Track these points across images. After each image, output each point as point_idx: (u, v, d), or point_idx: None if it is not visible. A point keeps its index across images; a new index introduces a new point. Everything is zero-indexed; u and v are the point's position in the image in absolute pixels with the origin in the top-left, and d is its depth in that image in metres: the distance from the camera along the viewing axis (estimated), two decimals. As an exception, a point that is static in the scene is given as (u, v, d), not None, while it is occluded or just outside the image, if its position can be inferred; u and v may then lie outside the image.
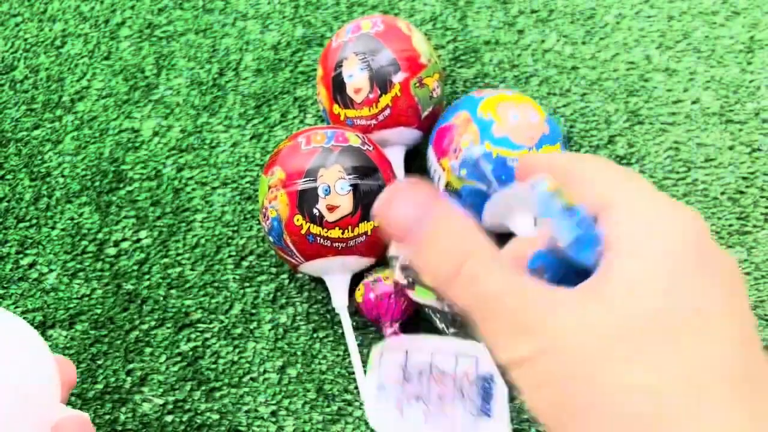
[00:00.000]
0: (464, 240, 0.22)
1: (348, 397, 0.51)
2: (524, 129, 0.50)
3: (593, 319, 0.20)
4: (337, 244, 0.49)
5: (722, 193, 0.58)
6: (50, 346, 0.54)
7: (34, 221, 0.60)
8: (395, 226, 0.22)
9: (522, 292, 0.21)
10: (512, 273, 0.21)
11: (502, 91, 0.54)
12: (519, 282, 0.21)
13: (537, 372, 0.20)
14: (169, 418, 0.51)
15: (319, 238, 0.48)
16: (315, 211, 0.48)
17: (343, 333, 0.53)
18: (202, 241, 0.58)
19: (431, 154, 0.54)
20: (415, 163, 0.59)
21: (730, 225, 0.56)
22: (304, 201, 0.48)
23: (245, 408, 0.51)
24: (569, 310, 0.20)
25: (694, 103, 0.62)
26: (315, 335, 0.54)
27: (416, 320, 0.52)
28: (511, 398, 0.47)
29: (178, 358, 0.53)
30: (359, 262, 0.51)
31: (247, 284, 0.56)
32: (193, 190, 0.60)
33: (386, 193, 0.23)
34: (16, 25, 0.70)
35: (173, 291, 0.56)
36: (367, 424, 0.50)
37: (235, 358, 0.53)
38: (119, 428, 0.51)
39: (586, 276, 0.22)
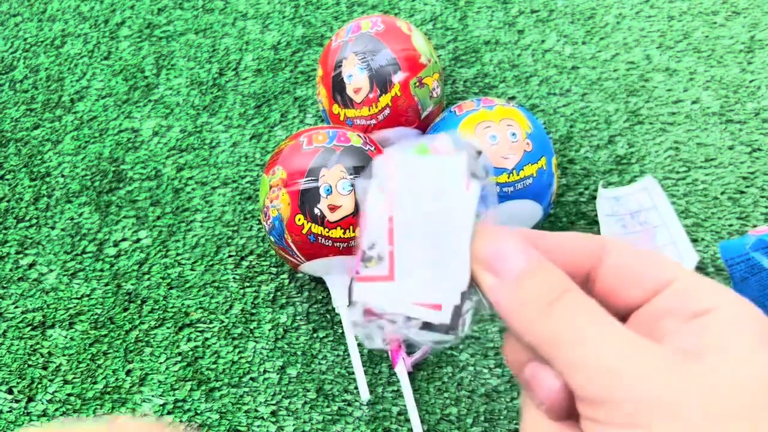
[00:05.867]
0: (563, 277, 0.22)
1: (348, 397, 0.51)
2: (503, 152, 0.49)
3: (699, 393, 0.19)
4: (338, 243, 0.49)
5: (722, 193, 0.58)
6: (50, 345, 0.54)
7: (33, 221, 0.60)
8: (494, 257, 0.22)
9: (618, 342, 0.20)
10: (610, 320, 0.21)
11: (484, 105, 0.52)
12: (616, 331, 0.20)
13: None
14: (169, 418, 0.51)
15: (320, 238, 0.48)
16: (316, 210, 0.48)
17: (343, 333, 0.53)
18: (202, 241, 0.58)
19: None
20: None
21: (731, 225, 0.56)
22: (306, 201, 0.48)
23: (245, 408, 0.51)
24: (671, 377, 0.19)
25: (694, 103, 0.62)
26: (315, 335, 0.54)
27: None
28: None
29: (178, 358, 0.53)
30: (360, 262, 0.51)
31: (247, 284, 0.56)
32: (193, 190, 0.60)
33: (488, 232, 0.23)
34: (16, 25, 0.70)
35: (173, 291, 0.56)
36: (366, 424, 0.50)
37: (235, 358, 0.53)
38: (119, 428, 0.51)
39: None
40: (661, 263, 0.22)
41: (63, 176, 0.61)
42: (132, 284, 0.56)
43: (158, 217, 0.59)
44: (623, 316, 0.23)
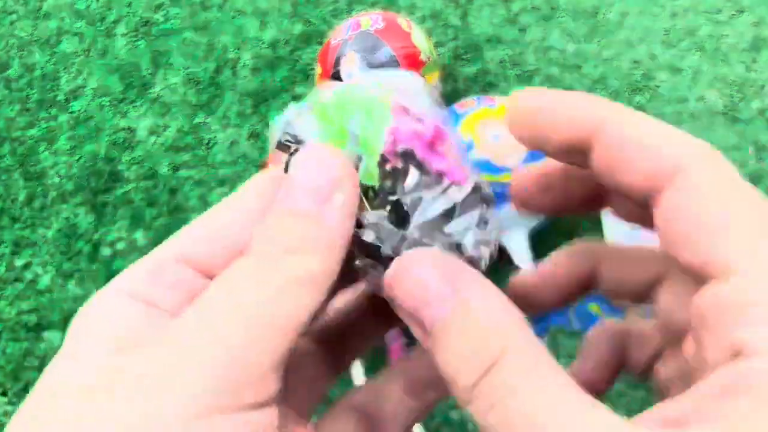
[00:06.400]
0: (499, 329, 0.15)
1: (348, 400, 0.50)
2: (506, 149, 0.48)
3: None
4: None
5: (728, 193, 0.57)
6: (46, 347, 0.53)
7: (29, 221, 0.59)
8: (410, 298, 0.16)
9: (572, 419, 0.14)
10: (559, 386, 0.15)
11: (486, 103, 0.52)
12: (567, 401, 0.14)
13: None
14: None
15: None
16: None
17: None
18: (200, 241, 0.57)
19: None
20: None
21: (736, 225, 0.56)
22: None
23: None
24: None
25: (698, 101, 0.62)
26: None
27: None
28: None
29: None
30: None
31: (245, 286, 0.55)
32: (190, 190, 0.60)
33: (405, 258, 0.17)
34: (11, 23, 0.69)
35: (170, 292, 0.55)
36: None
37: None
38: None
39: None
40: (719, 239, 0.14)
41: (59, 176, 0.61)
42: (128, 286, 0.56)
43: (154, 218, 0.58)
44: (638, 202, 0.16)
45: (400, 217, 0.18)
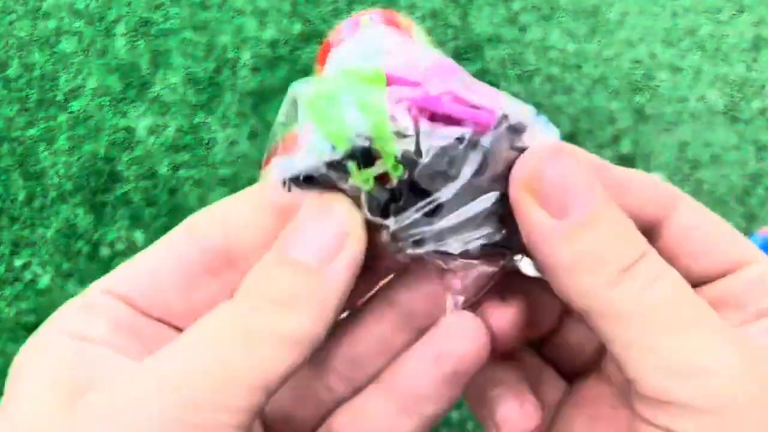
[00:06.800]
0: (638, 232, 0.16)
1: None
2: None
3: None
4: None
5: (728, 193, 0.57)
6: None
7: (28, 221, 0.59)
8: (557, 190, 0.16)
9: (712, 332, 0.15)
10: (699, 300, 0.16)
11: None
12: (709, 317, 0.16)
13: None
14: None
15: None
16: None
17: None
18: (199, 241, 0.57)
19: None
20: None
21: (737, 225, 0.56)
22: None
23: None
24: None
25: (699, 101, 0.62)
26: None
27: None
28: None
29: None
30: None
31: (244, 286, 0.55)
32: (190, 189, 0.60)
33: (540, 151, 0.17)
34: (10, 23, 0.69)
35: (169, 293, 0.55)
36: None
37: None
38: None
39: None
40: (738, 239, 0.18)
41: (58, 176, 0.61)
42: (127, 286, 0.56)
43: (154, 218, 0.58)
44: None
45: (432, 202, 0.16)
